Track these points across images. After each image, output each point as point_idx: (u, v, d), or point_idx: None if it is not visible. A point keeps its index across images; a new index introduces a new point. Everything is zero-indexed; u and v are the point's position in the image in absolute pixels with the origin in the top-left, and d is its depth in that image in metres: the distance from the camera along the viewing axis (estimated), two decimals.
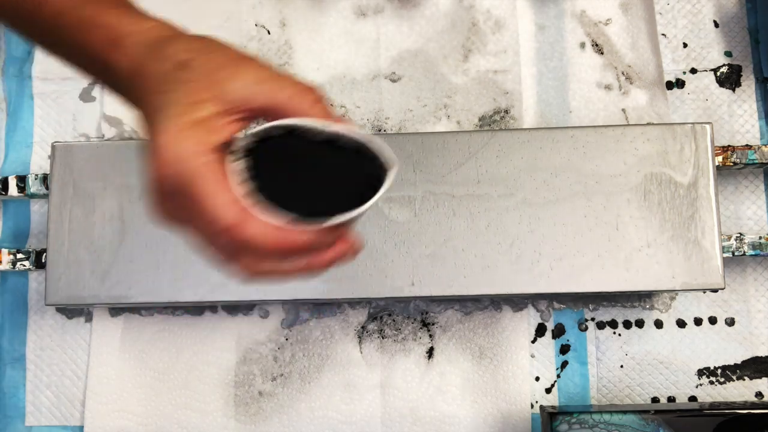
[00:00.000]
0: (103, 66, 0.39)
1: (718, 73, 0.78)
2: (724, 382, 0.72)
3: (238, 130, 0.36)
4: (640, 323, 0.73)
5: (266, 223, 0.34)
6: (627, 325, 0.73)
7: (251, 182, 0.34)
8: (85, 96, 0.79)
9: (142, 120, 0.37)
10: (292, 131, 0.34)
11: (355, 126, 0.34)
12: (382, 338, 0.73)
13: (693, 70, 0.78)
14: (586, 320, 0.73)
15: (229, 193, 0.34)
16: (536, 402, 0.72)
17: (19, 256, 0.71)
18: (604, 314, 0.73)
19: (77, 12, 0.39)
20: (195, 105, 0.35)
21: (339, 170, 0.34)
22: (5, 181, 0.72)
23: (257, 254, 0.35)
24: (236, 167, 0.34)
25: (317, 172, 0.34)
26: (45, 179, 0.72)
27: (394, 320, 0.73)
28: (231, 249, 0.36)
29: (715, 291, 0.73)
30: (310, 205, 0.34)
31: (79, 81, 0.79)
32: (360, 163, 0.34)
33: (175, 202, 0.35)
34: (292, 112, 0.35)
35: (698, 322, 0.73)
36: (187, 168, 0.34)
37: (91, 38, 0.39)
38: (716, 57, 0.78)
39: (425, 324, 0.73)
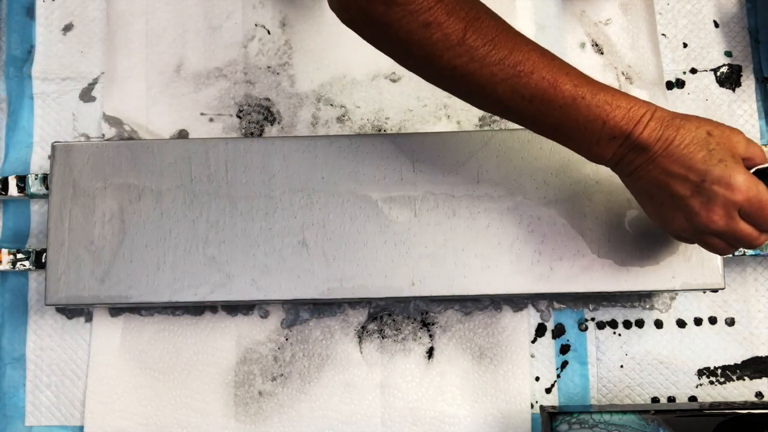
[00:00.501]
0: (618, 135, 0.54)
1: (718, 73, 0.78)
2: (724, 382, 0.72)
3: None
4: (640, 323, 0.73)
5: None
6: (627, 325, 0.73)
7: None
8: (85, 96, 0.79)
9: (664, 166, 0.53)
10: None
11: None
12: (382, 338, 0.73)
13: (693, 70, 0.78)
14: (586, 320, 0.73)
15: None
16: (536, 402, 0.72)
17: (19, 256, 0.71)
18: (604, 314, 0.74)
19: (596, 97, 0.53)
20: (733, 157, 0.53)
21: None
22: (5, 181, 0.72)
23: None
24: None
25: None
26: (45, 179, 0.72)
27: (394, 320, 0.73)
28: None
29: (715, 291, 0.73)
30: None
31: (79, 81, 0.79)
32: None
33: (744, 213, 0.53)
34: (762, 158, 0.56)
35: (698, 322, 0.73)
36: (758, 190, 0.52)
37: (612, 115, 0.53)
38: (716, 57, 0.78)
39: (425, 324, 0.73)
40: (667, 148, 0.53)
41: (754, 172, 0.55)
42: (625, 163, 0.55)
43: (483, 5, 0.54)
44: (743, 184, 0.52)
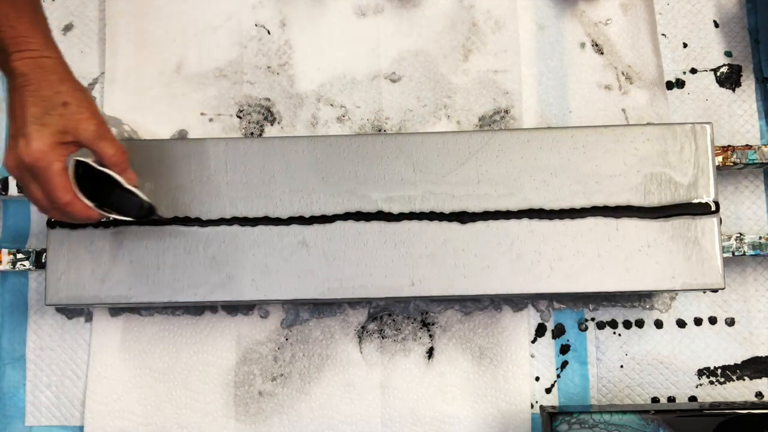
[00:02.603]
0: (3, 49, 0.55)
1: (718, 73, 0.78)
2: (724, 382, 0.72)
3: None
4: (640, 323, 0.73)
5: (84, 204, 0.58)
6: (627, 325, 0.73)
7: (81, 182, 0.59)
8: None
9: (17, 99, 0.56)
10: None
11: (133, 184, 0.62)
12: (382, 338, 0.73)
13: (693, 70, 0.78)
14: (586, 320, 0.73)
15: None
16: (536, 402, 0.72)
17: (19, 256, 0.71)
18: (604, 314, 0.74)
19: (2, 6, 0.55)
20: (63, 133, 0.56)
21: (122, 194, 0.62)
22: (5, 181, 0.72)
23: (71, 217, 0.59)
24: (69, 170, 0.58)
25: (109, 189, 0.61)
26: None
27: (394, 320, 0.73)
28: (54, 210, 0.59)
29: (715, 291, 0.73)
30: (101, 201, 0.61)
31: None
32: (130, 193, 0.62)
33: (33, 176, 0.56)
34: (110, 161, 0.60)
35: (698, 322, 0.73)
36: (49, 163, 0.55)
37: (4, 28, 0.55)
38: (716, 57, 0.78)
39: (425, 324, 0.73)
40: (24, 87, 0.55)
41: (78, 160, 0.58)
42: (10, 81, 0.58)
43: None
44: (36, 150, 0.55)
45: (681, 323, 0.73)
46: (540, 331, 0.73)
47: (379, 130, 0.76)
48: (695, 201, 0.67)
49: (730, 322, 0.73)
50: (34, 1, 0.58)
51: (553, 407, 0.69)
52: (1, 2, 0.56)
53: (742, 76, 0.78)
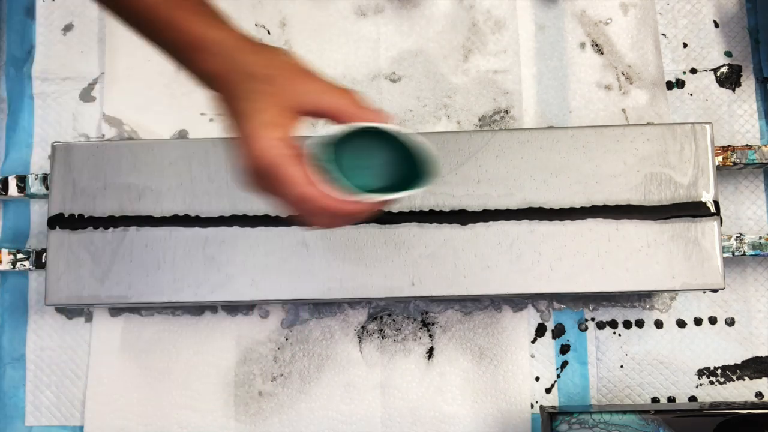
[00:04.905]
0: (187, 62, 0.46)
1: (718, 73, 0.78)
2: (724, 382, 0.72)
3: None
4: (640, 323, 0.73)
5: (329, 196, 0.44)
6: (627, 325, 0.73)
7: (331, 165, 0.45)
8: (85, 96, 0.79)
9: (224, 108, 0.45)
10: (361, 131, 0.46)
11: (405, 129, 0.47)
12: (382, 338, 0.73)
13: (693, 70, 0.78)
14: (586, 320, 0.73)
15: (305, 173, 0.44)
16: (536, 402, 0.72)
17: (19, 256, 0.71)
18: (604, 314, 0.73)
19: (167, 12, 0.44)
20: (280, 113, 0.44)
21: (392, 159, 0.47)
22: (5, 181, 0.72)
23: (323, 215, 0.45)
24: (311, 156, 0.45)
25: (376, 160, 0.47)
26: (45, 179, 0.72)
27: (394, 320, 0.73)
28: (305, 212, 0.46)
29: (715, 291, 0.73)
30: (366, 183, 0.46)
31: (79, 81, 0.79)
32: (409, 156, 0.46)
33: (264, 180, 0.44)
34: (348, 115, 0.46)
35: (698, 322, 0.73)
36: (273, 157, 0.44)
37: (178, 39, 0.45)
38: (716, 57, 0.78)
39: (425, 324, 0.73)
40: (228, 88, 0.46)
41: (333, 133, 0.48)
42: (205, 86, 0.48)
43: None
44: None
45: (681, 323, 0.73)
46: (540, 331, 0.73)
47: None
48: (695, 201, 0.67)
49: (730, 322, 0.73)
50: None
51: (553, 407, 0.69)
52: None
53: (742, 76, 0.78)
